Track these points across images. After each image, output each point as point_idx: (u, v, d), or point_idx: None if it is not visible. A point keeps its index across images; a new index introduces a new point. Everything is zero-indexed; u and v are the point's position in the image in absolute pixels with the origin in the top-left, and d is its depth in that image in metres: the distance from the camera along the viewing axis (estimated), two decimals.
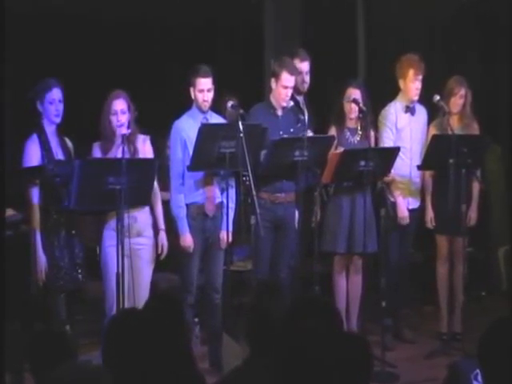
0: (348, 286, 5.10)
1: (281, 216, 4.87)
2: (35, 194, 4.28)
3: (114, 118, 4.39)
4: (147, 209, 4.44)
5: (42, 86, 4.36)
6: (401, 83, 5.17)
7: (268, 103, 4.94)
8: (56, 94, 4.36)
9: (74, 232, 4.37)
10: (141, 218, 4.40)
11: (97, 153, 4.40)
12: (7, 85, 4.25)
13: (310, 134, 4.91)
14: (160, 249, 4.49)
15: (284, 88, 4.80)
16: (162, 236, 4.50)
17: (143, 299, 4.22)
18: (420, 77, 5.10)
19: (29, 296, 4.27)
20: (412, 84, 5.12)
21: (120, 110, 4.39)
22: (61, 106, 4.38)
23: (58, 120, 4.38)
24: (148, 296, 4.29)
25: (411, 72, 5.10)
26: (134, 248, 4.32)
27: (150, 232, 4.45)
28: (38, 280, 4.24)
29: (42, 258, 4.26)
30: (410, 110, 5.20)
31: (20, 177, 4.33)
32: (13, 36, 4.67)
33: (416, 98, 5.16)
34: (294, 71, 4.83)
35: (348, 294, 5.10)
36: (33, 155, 4.31)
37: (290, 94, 4.83)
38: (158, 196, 4.53)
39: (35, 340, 2.70)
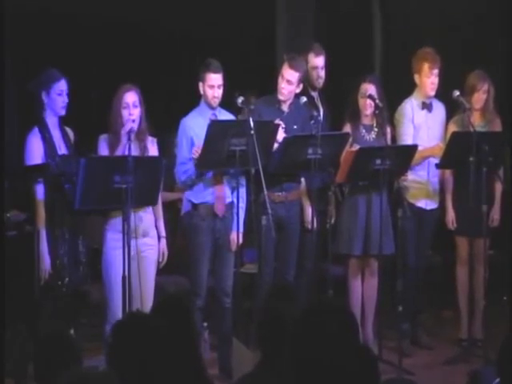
0: (363, 290, 5.09)
1: (283, 216, 4.85)
2: (40, 190, 4.26)
3: (125, 112, 4.34)
4: (150, 209, 4.43)
5: (49, 77, 4.32)
6: (416, 78, 5.15)
7: (274, 97, 4.91)
8: (63, 85, 4.34)
9: (77, 230, 4.35)
10: (146, 217, 4.38)
11: (103, 147, 4.36)
12: (8, 77, 4.26)
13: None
14: (161, 257, 4.46)
15: (286, 82, 4.77)
16: (163, 243, 4.48)
17: (149, 302, 4.23)
18: (435, 71, 5.07)
19: (32, 298, 4.27)
20: (427, 79, 5.09)
21: (132, 102, 4.35)
22: (67, 98, 4.36)
23: (63, 112, 4.36)
24: (153, 299, 4.28)
25: (426, 66, 5.07)
26: (141, 249, 4.31)
27: (154, 232, 4.44)
28: (40, 280, 4.23)
29: (46, 259, 4.25)
30: (426, 106, 5.17)
31: (23, 176, 4.32)
32: (13, 28, 4.67)
33: (432, 93, 5.13)
34: (297, 66, 4.80)
35: (363, 298, 5.08)
36: (35, 151, 4.28)
37: (290, 90, 4.79)
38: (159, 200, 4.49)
39: (38, 344, 2.69)
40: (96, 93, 5.29)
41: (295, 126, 4.85)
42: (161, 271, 4.55)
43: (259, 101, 4.89)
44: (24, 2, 5.44)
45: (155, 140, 4.47)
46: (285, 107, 4.89)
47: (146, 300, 4.26)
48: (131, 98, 4.34)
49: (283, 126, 4.78)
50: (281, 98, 4.84)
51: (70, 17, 5.78)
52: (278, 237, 4.82)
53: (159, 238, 4.45)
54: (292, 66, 4.79)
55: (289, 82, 4.80)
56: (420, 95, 5.17)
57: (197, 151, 4.51)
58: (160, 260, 4.45)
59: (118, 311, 4.23)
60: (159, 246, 4.45)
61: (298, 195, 4.94)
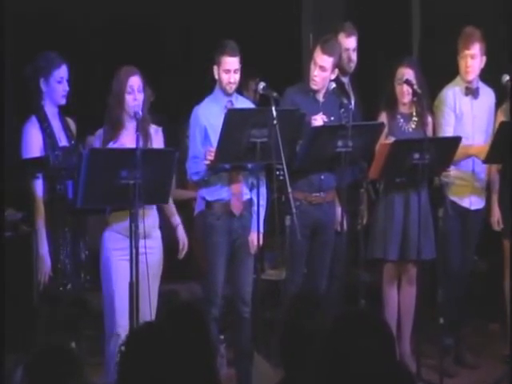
0: (400, 299, 5.07)
1: (320, 219, 4.85)
2: (39, 186, 4.27)
3: (129, 98, 4.33)
4: (154, 207, 4.43)
5: (48, 62, 4.31)
6: (458, 61, 5.11)
7: (305, 85, 4.89)
8: (64, 71, 4.34)
9: (79, 232, 4.36)
10: (148, 217, 4.35)
11: (98, 144, 4.36)
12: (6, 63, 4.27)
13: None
14: (181, 244, 4.47)
15: (319, 69, 4.76)
16: (180, 231, 4.49)
17: (152, 311, 4.22)
18: (470, 52, 5.02)
19: (29, 306, 4.28)
20: (461, 60, 5.06)
21: (137, 87, 4.34)
22: (67, 86, 4.36)
23: (63, 101, 4.36)
24: (158, 308, 4.28)
25: (461, 46, 5.04)
26: (141, 252, 4.27)
27: (157, 233, 4.44)
28: (39, 284, 4.24)
29: (47, 261, 4.25)
30: (471, 92, 5.13)
31: (20, 170, 4.33)
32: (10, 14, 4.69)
33: (468, 77, 5.08)
34: (331, 50, 4.78)
35: (400, 309, 5.07)
36: (34, 142, 4.29)
37: (324, 77, 4.78)
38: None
39: (36, 358, 2.69)
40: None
41: (332, 118, 4.83)
42: (172, 277, 4.54)
43: (291, 89, 4.88)
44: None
45: (160, 129, 4.46)
46: (320, 97, 4.87)
47: (149, 308, 4.24)
48: (136, 81, 4.34)
49: (325, 119, 4.75)
50: (314, 87, 4.82)
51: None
52: (312, 242, 4.82)
53: (176, 226, 4.46)
54: (325, 51, 4.77)
55: (322, 69, 4.78)
56: (462, 80, 5.13)
57: (211, 154, 4.50)
58: (181, 247, 4.46)
59: (114, 320, 4.23)
60: (177, 234, 4.45)
61: (334, 195, 4.93)
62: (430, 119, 5.06)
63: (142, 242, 4.24)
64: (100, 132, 4.42)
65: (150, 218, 4.38)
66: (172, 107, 5.21)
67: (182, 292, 5.07)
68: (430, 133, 5.02)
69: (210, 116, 4.63)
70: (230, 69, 4.60)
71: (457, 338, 5.19)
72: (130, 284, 4.13)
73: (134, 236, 4.14)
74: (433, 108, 5.14)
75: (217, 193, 4.65)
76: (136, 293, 4.13)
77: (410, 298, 5.05)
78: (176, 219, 4.50)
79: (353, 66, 5.18)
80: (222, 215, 4.65)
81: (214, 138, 4.57)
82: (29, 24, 5.59)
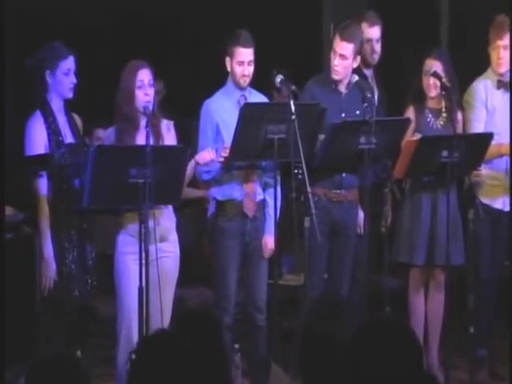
0: (427, 307, 5.06)
1: (340, 219, 4.85)
2: (43, 184, 4.28)
3: (140, 93, 4.33)
4: (170, 208, 4.44)
5: (55, 53, 4.32)
6: (490, 52, 5.09)
7: (326, 77, 4.90)
8: (71, 63, 4.35)
9: (86, 233, 4.37)
10: (164, 219, 4.40)
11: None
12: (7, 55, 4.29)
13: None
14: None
15: (339, 57, 4.76)
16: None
17: (166, 319, 4.25)
18: (503, 42, 5.00)
19: (31, 313, 4.30)
20: (493, 51, 5.04)
21: (147, 81, 4.35)
22: (75, 79, 4.36)
23: (71, 95, 4.37)
24: (172, 315, 4.31)
25: (492, 36, 5.02)
26: (158, 256, 4.30)
27: (174, 236, 4.46)
28: (44, 290, 4.25)
29: (51, 265, 4.26)
30: (503, 85, 5.12)
31: (23, 168, 4.35)
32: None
33: (500, 69, 5.07)
34: (351, 36, 4.77)
35: (427, 317, 5.06)
36: (38, 138, 4.30)
37: (345, 65, 4.77)
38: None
39: (38, 368, 2.71)
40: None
41: (357, 112, 4.82)
42: (182, 282, 4.56)
43: (311, 82, 4.89)
44: None
45: (172, 123, 4.47)
46: (342, 88, 4.87)
47: (164, 315, 4.28)
48: (146, 75, 4.35)
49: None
50: (335, 76, 4.82)
51: None
52: (332, 244, 4.82)
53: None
54: (344, 37, 4.76)
55: (342, 57, 4.77)
56: (494, 72, 5.12)
57: (226, 151, 4.51)
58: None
59: (128, 328, 4.26)
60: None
61: (356, 195, 4.93)
62: (459, 115, 5.06)
63: (158, 246, 4.27)
64: (110, 132, 4.42)
65: (166, 220, 4.40)
66: (182, 100, 5.22)
67: (190, 298, 5.07)
68: (459, 129, 5.01)
69: (222, 111, 4.65)
70: (243, 60, 4.61)
71: (489, 349, 5.18)
72: (140, 289, 4.16)
73: (143, 238, 4.16)
74: (462, 103, 5.13)
75: (229, 192, 4.67)
76: (146, 299, 4.16)
77: (437, 305, 5.05)
78: (197, 192, 4.49)
79: (376, 57, 5.18)
80: (235, 217, 4.66)
81: (227, 135, 4.58)
82: (30, 20, 5.63)
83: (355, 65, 4.83)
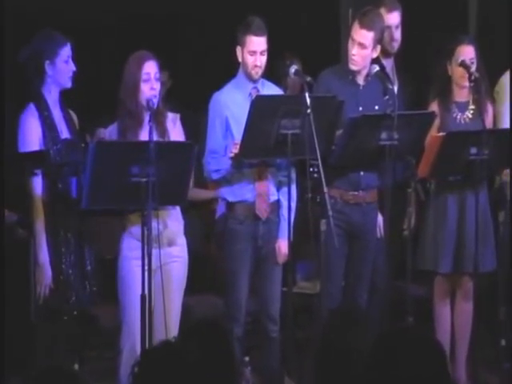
0: (454, 317, 5.06)
1: (358, 222, 4.85)
2: (37, 183, 4.29)
3: (145, 87, 4.33)
4: (178, 209, 4.45)
5: (53, 41, 4.34)
6: None
7: (344, 67, 4.90)
8: (69, 50, 4.36)
9: (84, 236, 4.37)
10: (172, 221, 4.41)
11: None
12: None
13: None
14: None
15: (358, 46, 4.75)
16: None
17: (174, 329, 4.27)
18: None
19: (27, 323, 4.32)
20: None
21: (154, 74, 4.35)
22: (74, 66, 4.36)
23: (70, 84, 4.38)
24: (179, 324, 4.32)
25: None
26: (165, 261, 4.33)
27: (182, 240, 4.48)
28: (39, 298, 4.25)
29: (47, 271, 4.27)
30: None
31: (16, 166, 4.37)
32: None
33: None
34: (370, 24, 4.77)
35: (453, 328, 5.06)
36: (32, 134, 4.30)
37: (364, 55, 4.76)
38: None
39: (33, 382, 2.73)
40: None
41: (376, 107, 4.82)
42: (189, 290, 4.57)
43: (327, 72, 4.89)
44: None
45: (178, 116, 4.48)
46: (360, 79, 4.86)
47: (170, 326, 4.30)
48: (153, 68, 4.36)
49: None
50: (353, 67, 4.82)
51: None
52: (350, 249, 4.82)
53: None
54: (364, 25, 4.76)
55: (361, 46, 4.77)
56: None
57: (236, 147, 4.52)
58: None
59: (131, 339, 4.27)
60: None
61: (375, 196, 4.92)
62: (489, 109, 5.05)
63: (164, 250, 4.29)
64: (111, 129, 4.43)
65: (173, 222, 4.41)
66: (188, 93, 5.22)
67: (197, 307, 5.08)
68: (489, 124, 5.00)
69: (232, 104, 4.66)
70: (255, 50, 4.62)
71: None
72: (142, 297, 4.17)
73: (146, 242, 4.16)
74: (493, 95, 5.12)
75: (240, 193, 4.67)
76: (150, 308, 4.17)
77: (465, 315, 5.05)
78: (209, 193, 4.53)
79: (396, 45, 5.18)
80: (246, 219, 4.67)
81: (237, 130, 4.59)
82: (30, 20, 5.66)
83: (375, 55, 4.83)
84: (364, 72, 4.85)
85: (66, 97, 4.40)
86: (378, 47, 4.83)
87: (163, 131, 4.39)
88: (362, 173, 4.83)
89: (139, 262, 4.23)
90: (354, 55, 4.79)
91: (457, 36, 5.07)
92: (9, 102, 4.50)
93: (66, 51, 4.35)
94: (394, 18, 5.15)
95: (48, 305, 4.28)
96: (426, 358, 2.49)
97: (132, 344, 4.28)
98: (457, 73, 4.98)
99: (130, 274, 4.33)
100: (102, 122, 4.56)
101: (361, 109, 4.80)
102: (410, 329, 3.05)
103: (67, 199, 4.29)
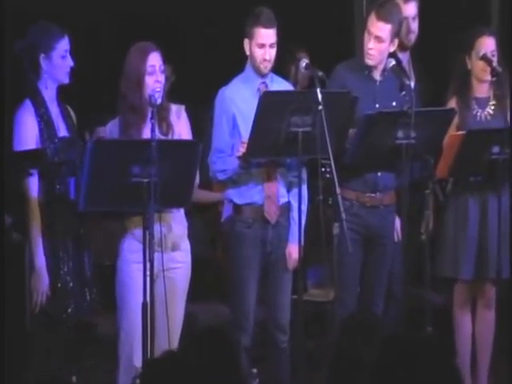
0: (475, 327, 5.05)
1: (375, 225, 4.84)
2: (33, 184, 4.28)
3: (150, 80, 4.31)
4: (182, 212, 4.45)
5: (49, 34, 4.32)
6: None
7: (358, 62, 4.89)
8: (67, 44, 4.34)
9: (83, 240, 4.35)
10: (176, 225, 4.40)
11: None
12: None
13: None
14: None
15: (374, 40, 4.74)
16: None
17: (175, 338, 4.27)
18: None
19: (22, 332, 4.30)
20: None
21: (159, 66, 4.33)
22: (71, 61, 4.35)
23: (67, 80, 4.36)
24: (181, 335, 4.32)
25: None
26: (168, 266, 4.32)
27: (186, 244, 4.47)
28: (35, 307, 4.23)
29: (44, 277, 4.25)
30: None
31: (11, 166, 4.35)
32: None
33: None
34: (388, 16, 4.76)
35: (475, 338, 5.05)
36: (28, 131, 4.29)
37: (381, 49, 4.76)
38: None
39: None
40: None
41: (394, 103, 4.81)
42: (193, 297, 4.56)
43: (341, 67, 4.89)
44: None
45: (182, 108, 4.45)
46: (376, 74, 4.85)
47: (173, 335, 4.29)
48: (157, 60, 4.34)
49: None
50: (369, 62, 4.81)
51: None
52: (366, 254, 4.80)
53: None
54: (381, 17, 4.75)
55: (378, 39, 4.76)
56: None
57: (243, 146, 4.51)
58: None
59: (129, 348, 4.26)
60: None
61: (393, 197, 4.91)
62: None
63: (167, 255, 4.28)
64: (112, 126, 4.42)
65: (178, 226, 4.40)
66: (193, 88, 5.21)
67: (202, 315, 5.08)
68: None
69: (239, 100, 4.66)
70: (264, 43, 4.61)
71: None
72: (143, 305, 4.15)
73: (147, 245, 4.15)
74: None
75: (248, 194, 4.67)
76: (151, 316, 4.16)
77: (487, 325, 5.04)
78: (216, 195, 4.55)
79: (413, 37, 5.18)
80: (254, 222, 4.67)
81: (244, 128, 4.59)
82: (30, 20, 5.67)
83: (392, 49, 4.83)
84: (381, 67, 4.84)
85: (62, 92, 4.39)
86: (396, 40, 4.83)
87: (167, 127, 4.38)
88: (379, 173, 4.82)
89: (140, 266, 4.21)
90: (370, 49, 4.78)
91: (477, 27, 5.06)
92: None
93: (62, 45, 4.33)
94: (411, 9, 5.15)
95: (45, 313, 4.26)
96: (440, 371, 2.48)
97: (128, 353, 4.27)
98: (477, 67, 4.97)
99: (129, 278, 4.32)
100: (101, 119, 4.55)
101: (378, 106, 4.79)
102: (429, 339, 3.03)
103: (65, 201, 4.28)
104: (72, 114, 4.47)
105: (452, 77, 5.08)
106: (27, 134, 4.29)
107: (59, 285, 4.27)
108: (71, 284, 4.28)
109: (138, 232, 4.29)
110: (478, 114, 5.05)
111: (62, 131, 4.37)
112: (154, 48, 4.36)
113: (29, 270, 4.31)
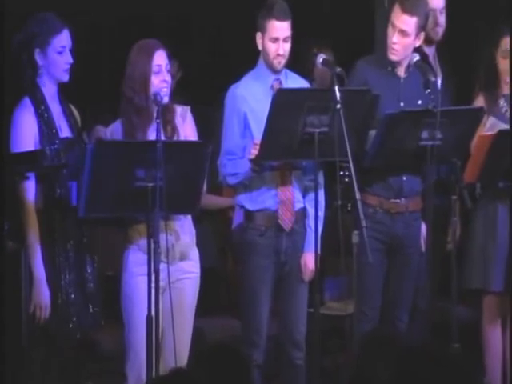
0: (505, 342, 5.05)
1: (400, 234, 4.84)
2: (30, 188, 4.27)
3: (156, 79, 4.34)
4: (189, 219, 4.45)
5: (44, 27, 4.32)
6: None
7: (382, 57, 4.89)
8: (65, 38, 4.34)
9: (84, 246, 4.34)
10: (184, 233, 4.39)
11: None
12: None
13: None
14: None
15: (399, 34, 4.73)
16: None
17: (185, 354, 4.28)
18: None
19: (18, 349, 4.28)
20: None
21: (165, 65, 4.35)
22: (71, 58, 4.34)
23: (66, 78, 4.36)
24: (190, 351, 4.32)
25: None
26: (176, 278, 4.32)
27: (195, 253, 4.48)
28: (34, 321, 4.20)
29: (44, 291, 4.24)
30: None
31: (7, 168, 4.34)
32: None
33: None
34: (413, 8, 4.76)
35: (506, 355, 5.03)
36: (26, 131, 4.29)
37: (405, 44, 4.75)
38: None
39: None
40: None
41: (420, 101, 4.80)
42: (202, 311, 4.56)
43: (362, 63, 4.89)
44: None
45: (188, 109, 4.47)
46: (401, 71, 4.86)
47: (181, 351, 4.28)
48: (164, 59, 4.36)
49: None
50: (393, 57, 4.82)
51: None
52: (390, 264, 4.79)
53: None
54: (406, 9, 4.75)
55: (403, 33, 4.76)
56: None
57: (256, 148, 4.51)
58: None
59: (139, 366, 4.26)
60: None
61: (419, 203, 4.89)
62: None
63: (175, 266, 4.29)
64: (115, 127, 4.42)
65: (186, 234, 4.41)
66: (201, 85, 5.21)
67: (212, 330, 5.09)
68: None
69: (251, 99, 4.66)
70: (278, 36, 4.62)
71: None
72: (148, 319, 4.15)
73: (153, 256, 4.15)
74: None
75: (260, 200, 4.68)
76: (157, 330, 4.15)
77: None
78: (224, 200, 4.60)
79: (440, 31, 5.18)
80: (267, 230, 4.67)
81: (257, 128, 4.60)
82: None
83: (418, 43, 4.84)
84: (405, 63, 4.84)
85: (64, 90, 4.40)
86: (422, 35, 4.82)
87: (172, 130, 4.40)
88: (404, 177, 4.80)
89: (145, 278, 4.20)
90: (394, 43, 4.78)
91: (500, 26, 5.05)
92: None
93: (60, 40, 4.33)
94: (438, 1, 5.14)
95: (43, 328, 4.24)
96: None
97: (138, 372, 4.28)
98: (503, 65, 4.98)
99: (136, 292, 4.32)
100: (103, 119, 4.56)
101: (402, 104, 4.78)
102: (456, 356, 3.02)
103: (66, 206, 4.28)
104: (75, 113, 4.47)
105: (480, 73, 5.07)
106: (25, 134, 4.29)
107: (60, 297, 4.25)
108: (73, 296, 4.28)
109: (143, 242, 4.30)
110: (508, 113, 5.05)
111: (64, 131, 4.37)
112: (160, 46, 4.37)
113: (25, 280, 4.30)
